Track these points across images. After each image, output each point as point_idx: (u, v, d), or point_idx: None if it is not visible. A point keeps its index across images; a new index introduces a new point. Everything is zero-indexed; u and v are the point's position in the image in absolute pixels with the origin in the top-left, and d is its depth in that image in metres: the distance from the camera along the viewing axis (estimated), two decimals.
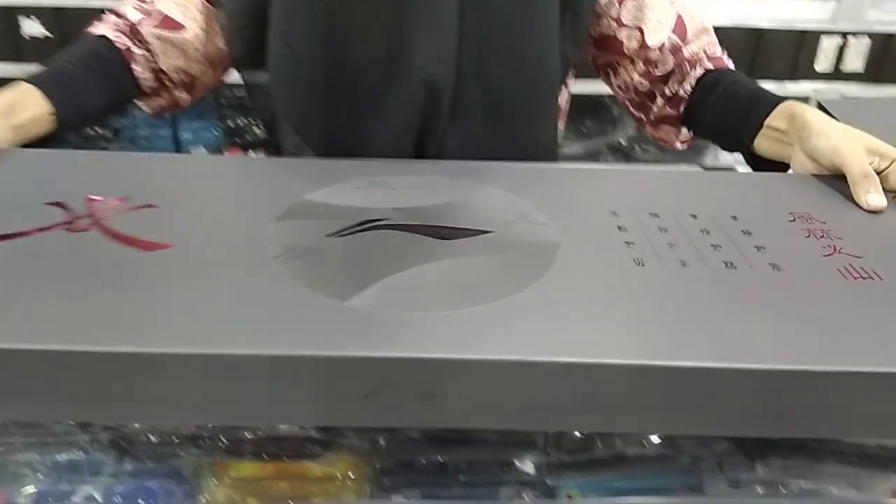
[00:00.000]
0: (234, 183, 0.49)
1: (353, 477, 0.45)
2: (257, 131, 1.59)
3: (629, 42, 0.69)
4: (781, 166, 0.59)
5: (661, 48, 0.67)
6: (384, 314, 0.34)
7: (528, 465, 0.45)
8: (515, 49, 0.64)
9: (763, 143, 0.60)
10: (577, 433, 0.46)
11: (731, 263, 0.40)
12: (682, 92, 0.67)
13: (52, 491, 0.44)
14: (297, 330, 0.33)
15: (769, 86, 0.65)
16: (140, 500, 0.44)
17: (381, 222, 0.42)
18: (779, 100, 0.60)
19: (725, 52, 0.69)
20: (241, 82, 0.73)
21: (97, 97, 0.62)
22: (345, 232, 0.41)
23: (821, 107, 0.67)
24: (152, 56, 0.66)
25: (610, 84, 0.75)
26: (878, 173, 0.50)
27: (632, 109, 0.74)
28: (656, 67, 0.68)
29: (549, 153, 0.73)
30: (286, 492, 0.44)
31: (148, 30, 0.66)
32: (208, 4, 0.68)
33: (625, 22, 0.68)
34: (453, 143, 0.65)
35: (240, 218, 0.43)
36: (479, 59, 0.62)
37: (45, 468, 0.45)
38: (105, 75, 0.63)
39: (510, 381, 0.32)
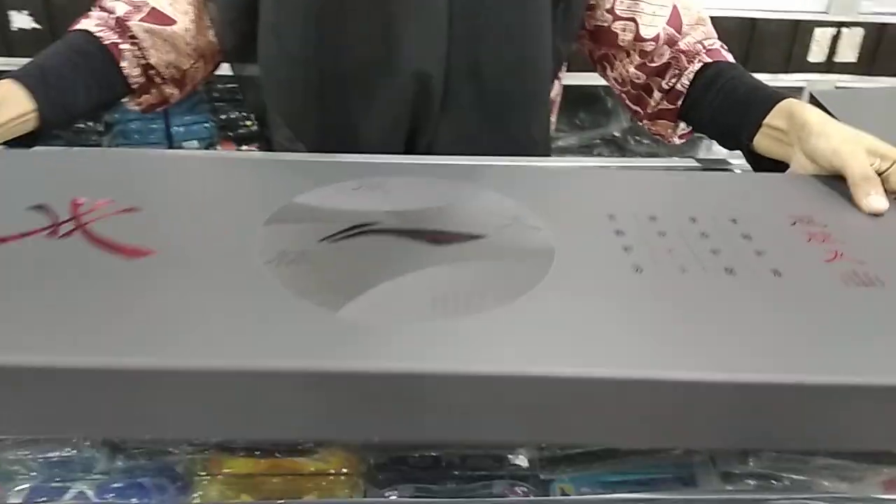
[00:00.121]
0: (222, 184, 0.48)
1: (346, 472, 0.45)
2: (250, 125, 1.58)
3: (624, 34, 0.68)
4: (782, 165, 0.58)
5: (656, 40, 0.67)
6: (375, 325, 0.33)
7: (521, 460, 0.45)
8: (507, 43, 0.64)
9: (763, 142, 0.59)
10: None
11: (731, 269, 0.39)
12: (679, 86, 0.67)
13: (43, 488, 0.44)
14: (288, 343, 0.32)
15: (763, 77, 0.64)
16: (133, 497, 0.43)
17: (373, 226, 0.41)
18: (778, 97, 0.59)
19: (724, 45, 0.69)
20: (233, 75, 0.73)
21: (84, 95, 0.60)
22: (336, 237, 0.40)
23: (813, 98, 0.67)
24: (141, 51, 0.65)
25: (606, 77, 0.75)
26: (879, 174, 0.49)
27: (628, 103, 0.74)
28: (652, 60, 0.68)
29: (541, 147, 0.73)
30: (279, 488, 0.44)
31: (136, 24, 0.64)
32: None
33: (619, 14, 0.68)
34: (445, 138, 0.65)
35: (228, 221, 0.42)
36: (470, 53, 0.62)
37: (37, 465, 0.45)
38: (91, 72, 0.62)
39: (505, 394, 0.32)
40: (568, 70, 0.75)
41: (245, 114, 1.57)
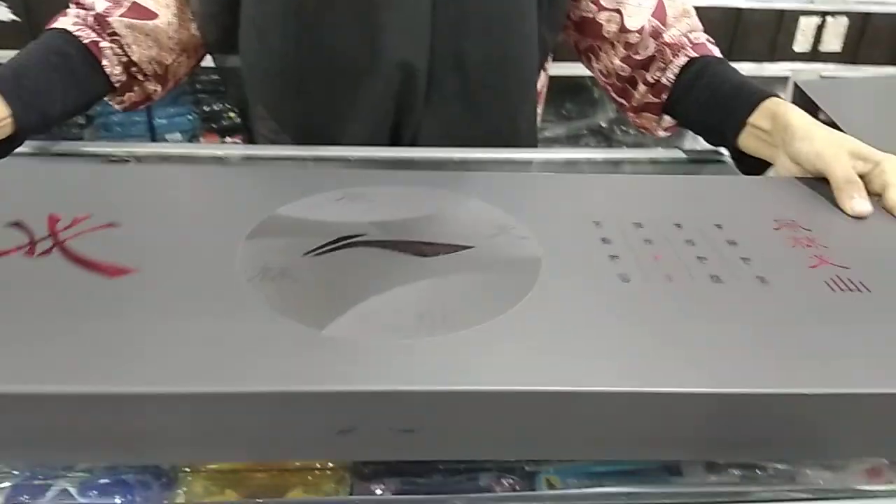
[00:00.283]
0: (202, 196, 0.47)
1: (332, 466, 0.45)
2: (233, 116, 1.57)
3: (608, 25, 0.68)
4: (765, 161, 0.58)
5: (640, 31, 0.67)
6: (361, 343, 0.33)
7: None
8: (492, 33, 0.63)
9: (748, 142, 0.59)
10: None
11: (718, 277, 0.39)
12: (664, 80, 0.67)
13: (25, 487, 0.43)
14: (272, 364, 0.32)
15: (748, 66, 0.65)
16: (116, 495, 0.43)
17: (357, 239, 0.41)
18: (762, 95, 0.59)
19: (709, 38, 0.69)
20: (216, 67, 0.72)
21: (61, 97, 0.58)
22: (321, 250, 0.40)
23: (798, 88, 0.67)
24: (122, 48, 0.63)
25: (592, 69, 0.75)
26: (863, 177, 0.49)
27: (613, 95, 0.74)
28: (637, 52, 0.68)
29: (527, 138, 0.72)
30: (264, 483, 0.44)
31: (117, 19, 0.63)
32: None
33: (604, 4, 0.68)
34: (430, 130, 0.65)
35: (209, 236, 0.41)
36: (454, 42, 0.62)
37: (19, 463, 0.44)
38: (69, 73, 0.59)
39: (494, 411, 0.32)
40: (554, 60, 0.75)
41: (228, 105, 1.56)
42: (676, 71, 0.66)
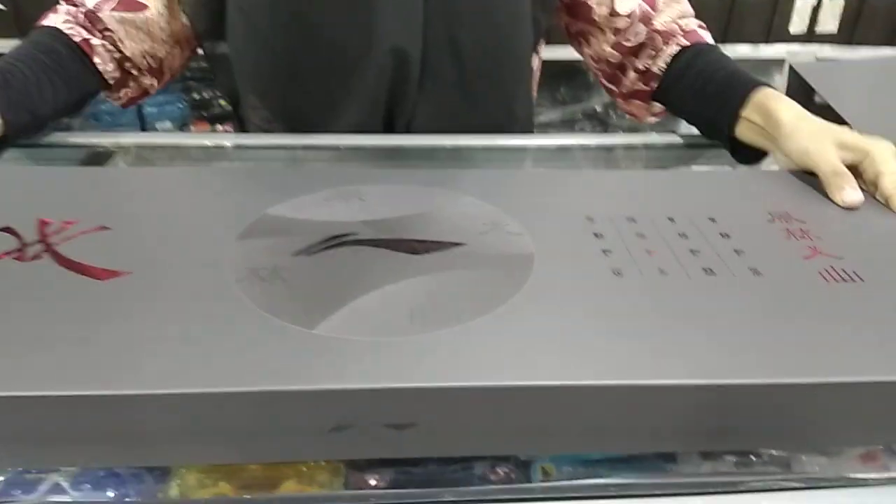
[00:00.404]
0: (193, 198, 0.47)
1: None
2: (224, 104, 1.56)
3: (599, 9, 0.67)
4: (760, 151, 0.58)
5: (630, 16, 0.66)
6: (353, 341, 0.33)
7: None
8: (485, 15, 0.63)
9: (744, 133, 0.59)
10: None
11: (711, 270, 0.39)
12: (655, 69, 0.66)
13: (18, 481, 0.43)
14: (264, 364, 0.31)
15: (743, 48, 0.64)
16: (109, 488, 0.43)
17: (348, 237, 0.40)
18: (753, 85, 0.58)
19: (700, 24, 0.68)
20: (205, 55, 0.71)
21: (52, 96, 0.57)
22: (311, 250, 0.39)
23: (793, 71, 0.66)
24: (114, 44, 0.62)
25: (582, 54, 0.74)
26: (853, 168, 0.49)
27: (603, 81, 0.74)
28: (627, 38, 0.67)
29: (523, 123, 0.72)
30: (259, 475, 0.44)
31: (108, 14, 0.62)
32: None
33: None
34: (424, 117, 0.64)
35: (200, 238, 0.41)
36: (448, 26, 0.61)
37: None
38: (60, 72, 0.58)
39: (488, 407, 0.31)
40: (547, 44, 0.74)
41: (219, 93, 1.55)
42: (668, 59, 0.65)
